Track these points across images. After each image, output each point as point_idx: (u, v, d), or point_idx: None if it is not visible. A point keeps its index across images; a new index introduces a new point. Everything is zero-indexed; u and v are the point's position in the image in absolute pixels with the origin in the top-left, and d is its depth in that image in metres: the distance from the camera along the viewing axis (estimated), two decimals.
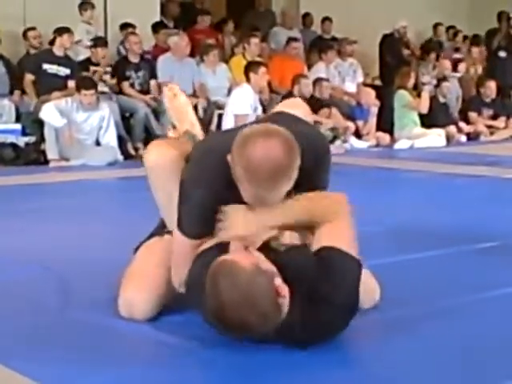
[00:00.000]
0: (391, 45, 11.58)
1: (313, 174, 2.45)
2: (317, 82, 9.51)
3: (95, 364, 2.24)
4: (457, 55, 12.12)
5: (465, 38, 12.70)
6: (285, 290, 2.19)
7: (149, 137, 8.19)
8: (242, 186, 2.30)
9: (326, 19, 11.51)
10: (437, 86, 10.51)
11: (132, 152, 8.38)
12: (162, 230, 2.77)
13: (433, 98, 10.14)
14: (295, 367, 2.23)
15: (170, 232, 2.67)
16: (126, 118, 8.79)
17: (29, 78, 8.52)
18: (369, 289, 2.69)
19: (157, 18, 10.36)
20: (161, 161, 2.59)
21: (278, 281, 2.19)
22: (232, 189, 2.34)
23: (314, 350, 2.31)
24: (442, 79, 10.63)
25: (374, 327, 2.63)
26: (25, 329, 2.56)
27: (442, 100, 10.37)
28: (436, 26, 12.45)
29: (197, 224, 2.44)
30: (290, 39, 10.33)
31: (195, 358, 2.29)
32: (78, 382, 2.13)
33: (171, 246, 2.56)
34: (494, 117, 10.91)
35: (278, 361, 2.26)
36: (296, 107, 2.83)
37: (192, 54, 9.47)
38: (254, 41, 9.61)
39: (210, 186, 2.39)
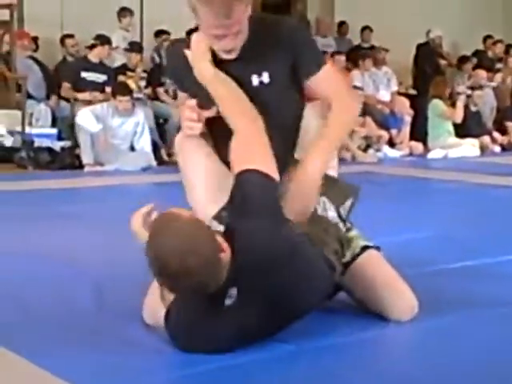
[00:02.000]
0: (427, 54, 11.52)
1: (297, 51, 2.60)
2: None
3: (123, 368, 2.27)
4: (497, 65, 11.99)
5: (507, 47, 12.48)
6: (227, 248, 2.23)
7: None
8: (201, 19, 2.45)
9: (365, 28, 11.50)
10: (470, 95, 10.44)
11: (166, 158, 8.45)
12: None
13: (465, 108, 10.07)
14: (323, 371, 2.24)
15: None
16: (160, 124, 8.87)
17: (66, 86, 8.62)
18: (408, 302, 2.70)
19: (192, 24, 10.38)
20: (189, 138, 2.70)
21: (220, 238, 2.24)
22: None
23: (342, 357, 2.31)
24: (475, 88, 10.55)
25: (406, 336, 2.63)
26: (57, 329, 2.60)
27: (473, 109, 10.29)
28: (486, 38, 12.38)
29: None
30: (335, 53, 10.36)
31: (216, 366, 2.30)
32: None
33: None
34: None
35: (300, 364, 2.28)
36: None
37: None
38: None
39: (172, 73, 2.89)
